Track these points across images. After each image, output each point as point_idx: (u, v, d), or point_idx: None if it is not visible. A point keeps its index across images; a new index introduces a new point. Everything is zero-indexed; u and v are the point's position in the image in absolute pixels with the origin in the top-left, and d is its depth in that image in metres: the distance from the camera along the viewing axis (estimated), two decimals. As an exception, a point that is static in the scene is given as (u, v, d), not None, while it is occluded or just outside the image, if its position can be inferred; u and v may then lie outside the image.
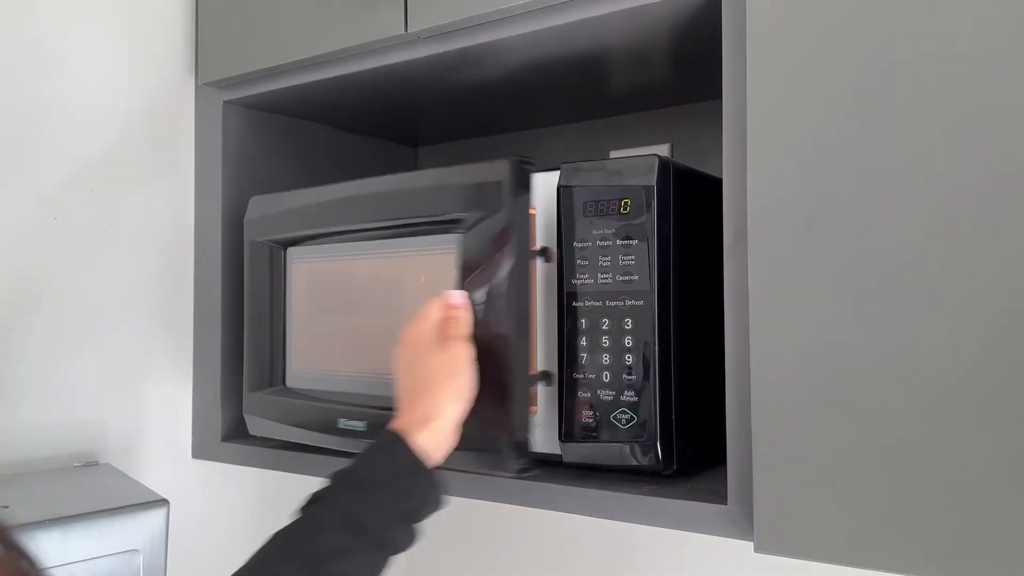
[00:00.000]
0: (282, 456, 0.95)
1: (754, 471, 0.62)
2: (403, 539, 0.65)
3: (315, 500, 0.66)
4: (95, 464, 0.98)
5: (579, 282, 0.76)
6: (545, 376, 0.78)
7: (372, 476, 0.66)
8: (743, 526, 0.64)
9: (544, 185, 0.79)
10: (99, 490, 0.84)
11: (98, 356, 1.00)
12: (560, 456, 0.77)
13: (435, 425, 0.67)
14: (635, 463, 0.73)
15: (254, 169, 1.09)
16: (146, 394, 1.04)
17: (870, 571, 0.58)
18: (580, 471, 0.78)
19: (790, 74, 0.63)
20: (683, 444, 0.74)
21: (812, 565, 0.99)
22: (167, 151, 1.07)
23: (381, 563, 0.64)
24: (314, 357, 0.95)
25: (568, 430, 0.76)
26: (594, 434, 0.75)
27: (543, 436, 0.79)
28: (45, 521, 0.77)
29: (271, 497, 1.25)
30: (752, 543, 0.63)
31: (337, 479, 0.67)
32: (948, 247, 0.57)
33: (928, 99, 0.58)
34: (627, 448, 0.73)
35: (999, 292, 0.55)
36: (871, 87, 0.60)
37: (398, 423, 0.68)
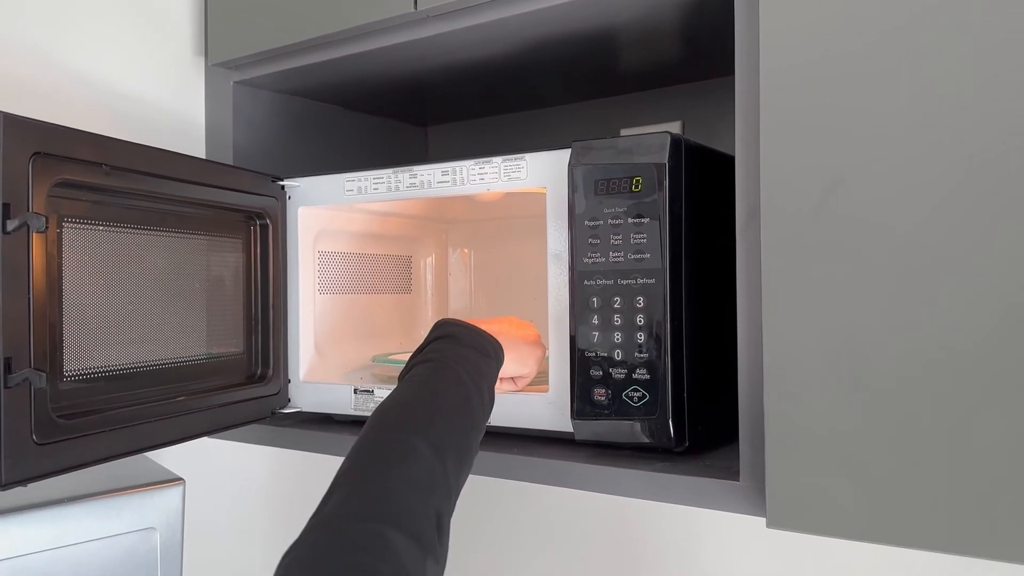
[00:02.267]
0: (298, 435, 0.96)
1: (766, 448, 0.63)
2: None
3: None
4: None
5: (590, 261, 0.76)
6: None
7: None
8: (756, 502, 0.65)
9: (555, 164, 0.79)
10: (116, 469, 0.86)
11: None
12: (572, 434, 0.78)
13: None
14: (647, 441, 0.73)
15: (265, 150, 1.09)
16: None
17: (882, 546, 0.58)
18: (592, 449, 0.78)
19: (803, 48, 0.62)
20: (695, 422, 0.74)
21: (822, 542, 1.00)
22: (178, 133, 1.07)
23: None
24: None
25: (580, 408, 0.76)
26: (606, 412, 0.75)
27: (555, 414, 0.80)
28: (64, 500, 0.78)
29: (285, 475, 1.27)
30: (764, 519, 0.63)
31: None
32: (962, 224, 0.56)
33: (946, 74, 0.57)
34: (639, 426, 0.74)
35: (1013, 269, 0.55)
36: (886, 62, 0.59)
37: None
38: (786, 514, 0.61)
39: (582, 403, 0.76)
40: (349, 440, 0.90)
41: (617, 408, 0.74)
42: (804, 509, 0.61)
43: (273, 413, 0.95)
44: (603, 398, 0.75)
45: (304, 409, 0.96)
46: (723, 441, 0.79)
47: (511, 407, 0.82)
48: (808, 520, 0.60)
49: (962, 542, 0.55)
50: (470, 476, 0.67)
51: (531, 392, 0.82)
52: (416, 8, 0.85)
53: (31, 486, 0.79)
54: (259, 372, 0.94)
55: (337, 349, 1.02)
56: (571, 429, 0.78)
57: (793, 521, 0.61)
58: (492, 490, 1.24)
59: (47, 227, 0.66)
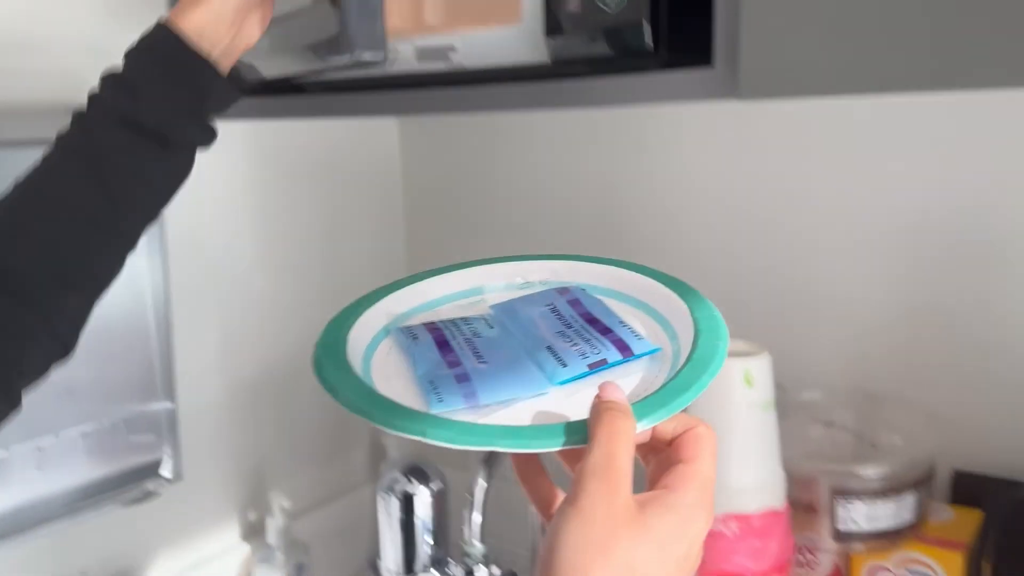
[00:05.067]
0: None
1: (741, 23, 0.58)
2: (192, 134, 0.63)
3: (87, 104, 0.62)
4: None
5: None
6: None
7: (140, 73, 0.61)
8: (730, 85, 0.62)
9: None
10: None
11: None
12: (547, 65, 0.74)
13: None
14: (623, 48, 0.69)
15: None
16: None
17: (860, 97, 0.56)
18: (567, 74, 0.75)
19: None
20: (674, 26, 0.70)
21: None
22: None
23: (174, 161, 0.62)
24: None
25: (552, 25, 0.72)
26: (580, 22, 0.70)
27: (528, 45, 0.75)
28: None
29: (261, 151, 1.25)
30: (737, 98, 0.60)
31: (103, 83, 0.62)
32: None
33: None
34: (615, 32, 0.69)
35: None
36: None
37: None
38: (760, 84, 0.58)
39: (554, 19, 0.72)
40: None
41: (592, 16, 0.70)
42: (779, 75, 0.58)
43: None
44: (577, 8, 0.70)
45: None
46: (703, 57, 0.75)
47: (479, 46, 0.78)
48: (783, 84, 0.57)
49: (944, 77, 0.52)
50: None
51: (500, 27, 0.77)
52: None
53: None
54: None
55: None
56: (547, 59, 0.74)
57: (767, 88, 0.58)
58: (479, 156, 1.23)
59: None
